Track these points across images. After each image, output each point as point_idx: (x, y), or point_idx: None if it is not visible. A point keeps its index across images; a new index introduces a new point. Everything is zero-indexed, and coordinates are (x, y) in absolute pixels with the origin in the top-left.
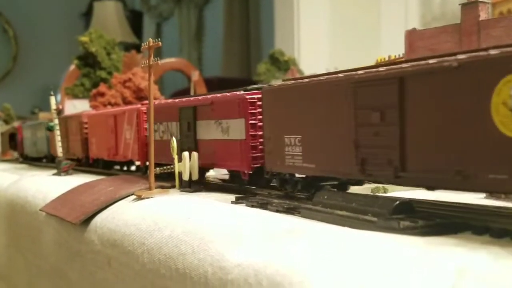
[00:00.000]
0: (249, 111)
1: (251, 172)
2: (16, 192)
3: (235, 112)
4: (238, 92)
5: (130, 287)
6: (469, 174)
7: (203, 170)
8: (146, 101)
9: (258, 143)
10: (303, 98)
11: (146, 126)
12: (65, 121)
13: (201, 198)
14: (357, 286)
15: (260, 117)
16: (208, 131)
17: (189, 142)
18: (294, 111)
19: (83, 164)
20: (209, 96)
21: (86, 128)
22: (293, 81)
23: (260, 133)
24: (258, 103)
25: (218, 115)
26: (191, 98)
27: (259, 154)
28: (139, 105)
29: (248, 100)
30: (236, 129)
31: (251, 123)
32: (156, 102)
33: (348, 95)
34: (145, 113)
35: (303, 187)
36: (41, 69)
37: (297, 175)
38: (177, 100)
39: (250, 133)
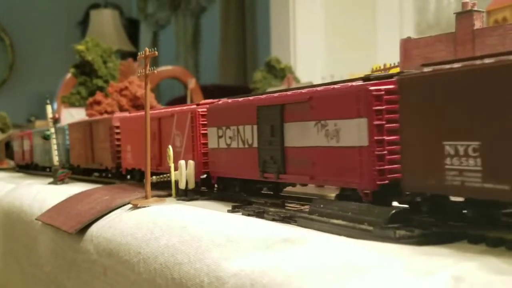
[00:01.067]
0: (374, 108)
1: (375, 190)
2: (12, 201)
3: (351, 109)
4: (354, 83)
5: None
6: None
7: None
8: (205, 101)
9: (386, 152)
10: (486, 87)
11: (204, 131)
12: (89, 125)
13: (197, 207)
14: None
15: (390, 116)
16: (303, 136)
17: (273, 151)
18: (467, 107)
19: (114, 175)
20: (305, 91)
21: (118, 133)
22: (461, 64)
23: (389, 138)
24: (387, 97)
25: (320, 114)
26: (275, 94)
27: (388, 167)
28: (193, 106)
29: (373, 93)
30: (351, 132)
31: (377, 125)
32: (221, 101)
33: None
34: (203, 115)
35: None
36: (38, 78)
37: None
38: (252, 98)
39: (376, 138)
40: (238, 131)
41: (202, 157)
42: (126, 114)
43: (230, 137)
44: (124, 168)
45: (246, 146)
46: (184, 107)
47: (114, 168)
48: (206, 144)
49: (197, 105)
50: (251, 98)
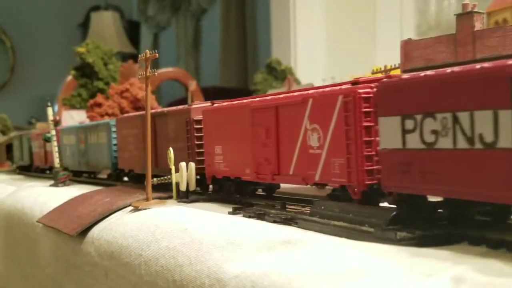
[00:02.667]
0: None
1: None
2: (13, 203)
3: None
4: None
5: None
6: None
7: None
8: (365, 77)
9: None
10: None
11: (368, 123)
12: (152, 120)
13: (198, 209)
14: None
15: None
16: None
17: None
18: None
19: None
20: None
21: (199, 129)
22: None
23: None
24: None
25: None
26: None
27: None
28: (345, 85)
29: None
30: None
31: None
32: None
33: None
34: (367, 98)
35: None
36: (38, 80)
37: None
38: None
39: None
40: (458, 120)
41: (365, 162)
42: (209, 104)
43: (445, 128)
44: (210, 177)
45: (481, 146)
46: (327, 89)
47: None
48: (369, 143)
49: (353, 84)
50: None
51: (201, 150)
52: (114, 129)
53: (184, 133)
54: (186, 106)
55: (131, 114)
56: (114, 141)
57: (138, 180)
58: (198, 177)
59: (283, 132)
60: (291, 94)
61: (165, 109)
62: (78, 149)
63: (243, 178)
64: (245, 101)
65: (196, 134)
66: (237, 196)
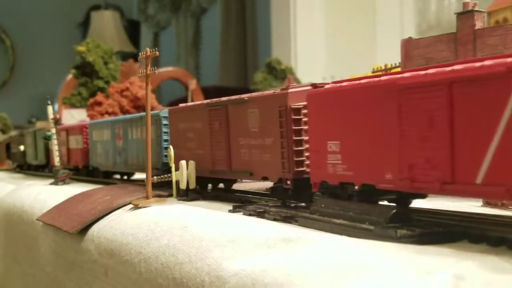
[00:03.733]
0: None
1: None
2: (13, 201)
3: None
4: None
5: None
6: None
7: None
8: None
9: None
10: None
11: None
12: (224, 109)
13: (198, 207)
14: None
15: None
16: None
17: None
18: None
19: (283, 193)
20: None
21: (298, 120)
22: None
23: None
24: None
25: None
26: None
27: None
28: None
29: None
30: None
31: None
32: None
33: None
34: None
35: None
36: (39, 79)
37: None
38: None
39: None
40: None
41: None
42: (309, 87)
43: None
44: (319, 183)
45: None
46: None
47: (289, 181)
48: None
49: None
50: None
51: (301, 147)
52: (165, 121)
53: (274, 126)
54: (276, 90)
55: (189, 104)
56: (166, 137)
57: (217, 188)
58: (288, 182)
59: (463, 121)
60: (478, 62)
61: (245, 95)
62: (114, 146)
63: (378, 185)
64: (384, 78)
65: (295, 127)
66: (236, 194)
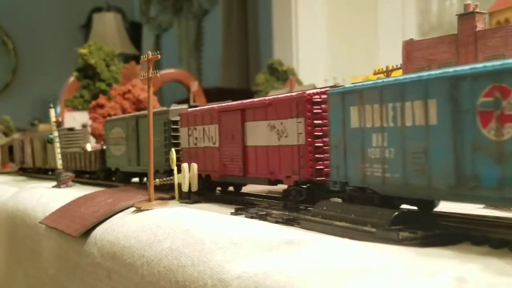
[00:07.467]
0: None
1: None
2: (15, 204)
3: None
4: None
5: None
6: None
7: None
8: None
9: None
10: None
11: None
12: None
13: (200, 210)
14: None
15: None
16: None
17: None
18: None
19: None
20: None
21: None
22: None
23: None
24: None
25: None
26: None
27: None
28: None
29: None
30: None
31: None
32: None
33: None
34: None
35: None
36: (41, 81)
37: None
38: None
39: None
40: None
41: None
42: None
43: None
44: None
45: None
46: None
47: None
48: None
49: None
50: None
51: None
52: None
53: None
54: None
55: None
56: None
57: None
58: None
59: None
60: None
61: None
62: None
63: None
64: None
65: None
66: (239, 196)
